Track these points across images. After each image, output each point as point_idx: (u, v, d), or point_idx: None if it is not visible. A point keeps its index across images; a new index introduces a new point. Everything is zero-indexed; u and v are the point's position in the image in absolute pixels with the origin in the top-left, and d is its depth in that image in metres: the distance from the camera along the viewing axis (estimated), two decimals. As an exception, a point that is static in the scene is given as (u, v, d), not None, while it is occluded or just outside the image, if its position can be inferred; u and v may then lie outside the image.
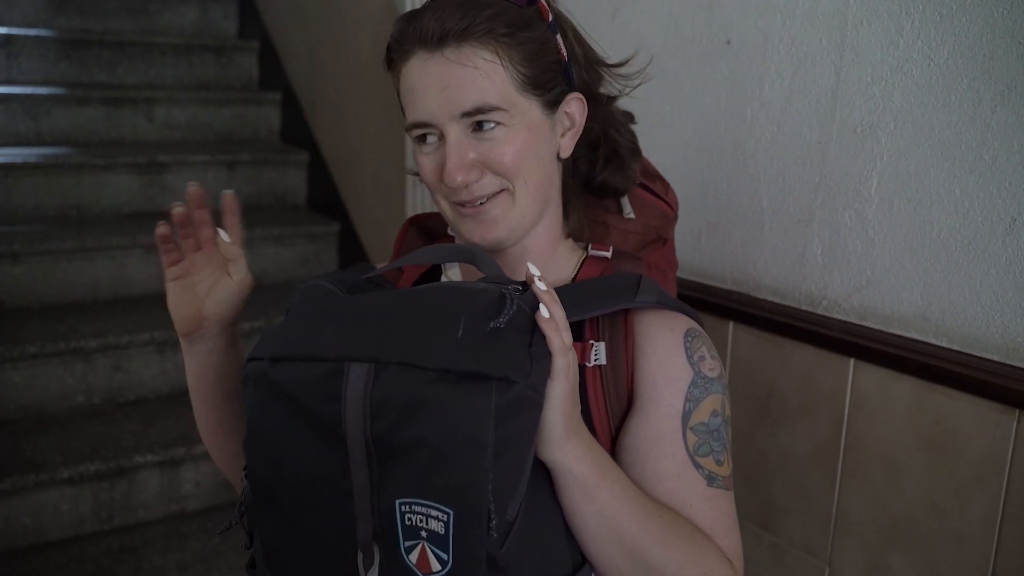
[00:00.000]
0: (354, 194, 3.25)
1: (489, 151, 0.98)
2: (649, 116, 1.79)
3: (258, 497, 0.86)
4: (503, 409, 0.77)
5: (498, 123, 0.97)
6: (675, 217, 1.25)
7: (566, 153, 1.06)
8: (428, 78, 0.97)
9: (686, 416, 0.98)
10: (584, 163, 1.11)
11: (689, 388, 0.99)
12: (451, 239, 1.16)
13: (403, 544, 0.80)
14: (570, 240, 1.12)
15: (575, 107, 1.05)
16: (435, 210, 1.14)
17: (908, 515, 1.37)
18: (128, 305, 2.91)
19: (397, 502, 0.79)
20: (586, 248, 1.12)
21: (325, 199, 3.46)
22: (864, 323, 1.44)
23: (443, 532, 0.78)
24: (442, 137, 0.99)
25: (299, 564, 0.86)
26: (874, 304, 1.42)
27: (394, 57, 1.02)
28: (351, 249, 3.28)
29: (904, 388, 1.35)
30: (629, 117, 1.16)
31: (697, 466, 0.97)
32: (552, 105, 1.03)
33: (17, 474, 2.23)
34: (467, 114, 0.96)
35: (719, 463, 0.99)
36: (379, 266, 1.07)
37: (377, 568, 0.81)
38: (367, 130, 3.07)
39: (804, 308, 1.53)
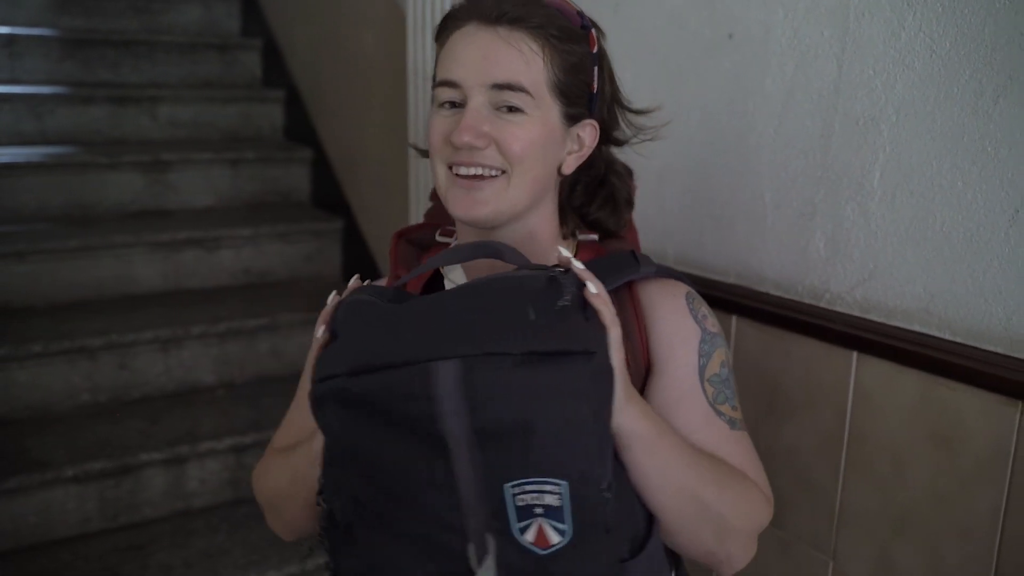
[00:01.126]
0: (358, 191, 3.26)
1: (503, 130, 1.03)
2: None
3: (353, 515, 0.87)
4: (591, 378, 0.83)
5: (520, 110, 1.03)
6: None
7: (568, 170, 1.12)
8: (473, 45, 1.03)
9: (701, 370, 1.07)
10: (581, 196, 1.17)
11: (700, 345, 1.08)
12: (441, 246, 1.21)
13: (515, 526, 0.83)
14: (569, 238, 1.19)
15: (588, 133, 1.11)
16: (424, 217, 1.22)
17: (913, 508, 1.37)
18: (133, 303, 2.91)
19: (506, 486, 0.82)
20: (574, 236, 1.19)
21: (329, 196, 3.46)
22: (867, 316, 1.43)
23: (559, 504, 0.82)
24: (462, 105, 1.04)
25: (407, 572, 0.87)
26: (877, 297, 1.42)
27: (447, 26, 1.08)
28: (355, 246, 3.28)
29: (908, 381, 1.35)
30: (629, 172, 1.22)
31: (719, 414, 1.07)
32: (571, 119, 1.09)
33: (23, 473, 2.24)
34: (497, 86, 1.02)
35: (734, 408, 1.09)
36: (384, 278, 1.14)
37: (493, 556, 0.83)
38: (370, 127, 3.07)
39: (807, 302, 1.52)
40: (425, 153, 1.18)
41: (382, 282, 1.20)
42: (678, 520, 0.98)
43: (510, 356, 0.80)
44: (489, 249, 0.97)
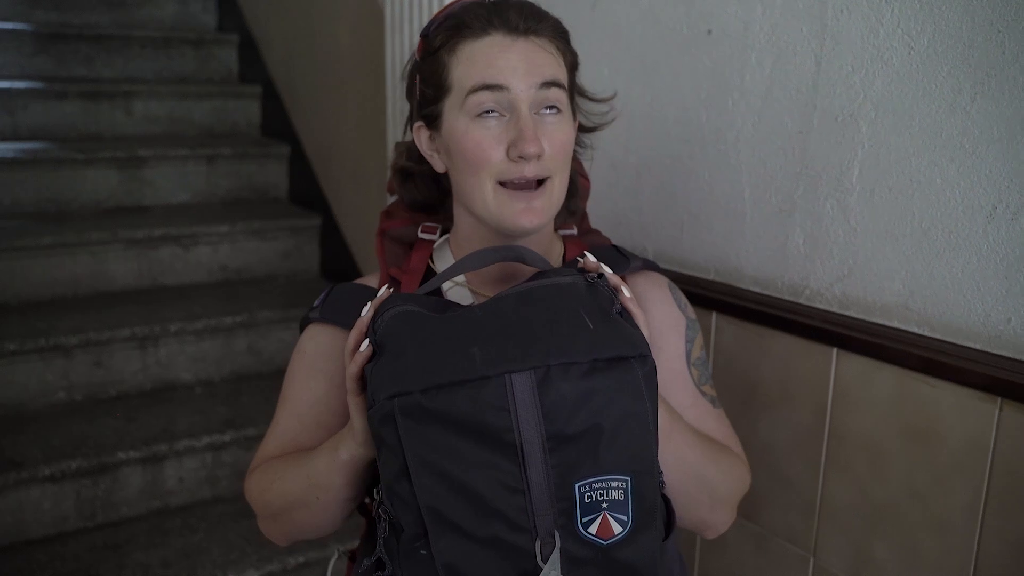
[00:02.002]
0: (335, 187, 3.24)
1: (551, 135, 1.06)
2: (630, 106, 1.79)
3: (427, 525, 0.89)
4: (646, 380, 0.89)
5: (559, 109, 1.06)
6: (589, 190, 1.34)
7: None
8: (513, 53, 1.04)
9: (688, 355, 1.17)
10: None
11: (686, 331, 1.18)
12: (426, 244, 1.22)
13: (580, 520, 0.87)
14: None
15: (576, 126, 1.16)
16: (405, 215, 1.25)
17: (891, 503, 1.37)
18: (109, 301, 2.89)
19: (576, 485, 0.86)
20: (556, 230, 1.23)
21: (306, 193, 3.44)
22: (846, 312, 1.44)
23: (623, 498, 0.87)
24: (504, 115, 1.04)
25: (479, 573, 0.90)
26: (856, 293, 1.42)
27: (457, 35, 1.07)
28: (333, 242, 3.26)
29: (886, 377, 1.36)
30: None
31: (703, 394, 1.17)
32: (573, 115, 1.14)
33: (-2, 472, 2.22)
34: (546, 83, 1.04)
35: (712, 387, 1.20)
36: (367, 276, 1.15)
37: (559, 551, 0.87)
38: (347, 123, 3.06)
39: (786, 298, 1.53)
40: (412, 166, 1.20)
41: (374, 280, 1.22)
42: (683, 495, 1.07)
43: (577, 365, 0.86)
44: (511, 253, 1.02)
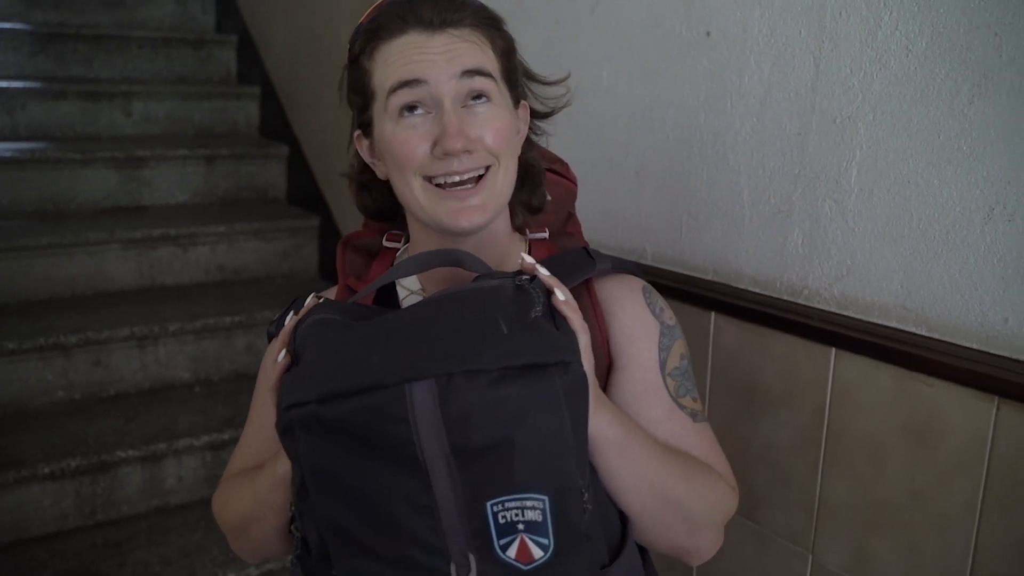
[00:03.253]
0: (334, 188, 3.24)
1: (482, 123, 1.01)
2: (629, 108, 1.80)
3: (330, 543, 0.84)
4: (568, 389, 0.82)
5: (488, 97, 1.02)
6: (576, 192, 1.29)
7: (518, 153, 1.10)
8: (429, 48, 1.00)
9: (663, 365, 1.07)
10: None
11: (660, 338, 1.08)
12: (390, 252, 1.18)
13: (498, 543, 0.81)
14: (516, 233, 1.17)
15: (523, 114, 1.11)
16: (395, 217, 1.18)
17: (890, 501, 1.38)
18: (107, 300, 2.89)
19: (487, 504, 0.80)
20: (525, 233, 1.17)
21: (305, 193, 3.45)
22: (845, 312, 1.45)
23: (541, 519, 0.81)
24: (429, 112, 1.00)
25: None
26: (855, 293, 1.43)
27: (374, 37, 1.03)
28: (331, 243, 3.27)
29: (885, 376, 1.37)
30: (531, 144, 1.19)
31: (681, 407, 1.07)
32: (516, 103, 1.09)
33: (-2, 471, 2.22)
34: (468, 72, 1.00)
35: (695, 400, 1.10)
36: (326, 290, 1.11)
37: (475, 574, 0.81)
38: (346, 124, 3.05)
39: (785, 298, 1.54)
40: (362, 178, 1.16)
41: (332, 292, 1.18)
42: (650, 518, 0.99)
43: (485, 373, 0.79)
44: (449, 257, 0.96)
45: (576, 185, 1.28)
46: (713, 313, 1.63)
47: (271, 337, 1.11)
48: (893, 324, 1.38)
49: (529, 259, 0.92)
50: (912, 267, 1.35)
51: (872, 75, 1.37)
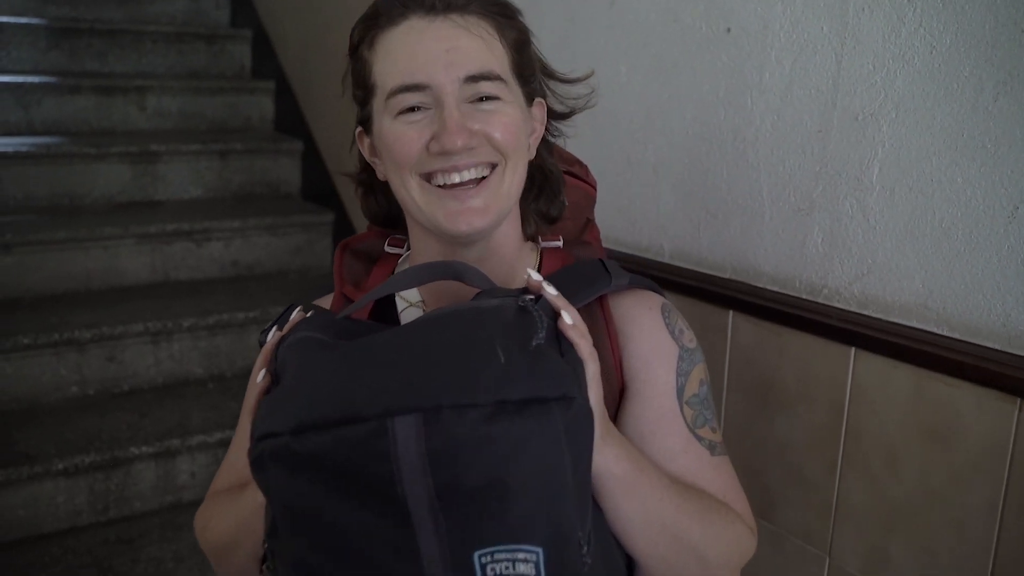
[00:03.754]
0: (348, 184, 3.22)
1: (488, 120, 0.94)
2: (647, 103, 1.78)
3: None
4: (569, 427, 0.73)
5: (497, 97, 0.95)
6: (595, 197, 1.22)
7: (532, 155, 1.04)
8: (431, 39, 0.93)
9: (680, 391, 0.99)
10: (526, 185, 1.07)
11: (678, 363, 1.00)
12: (392, 257, 1.11)
13: None
14: (528, 242, 1.09)
15: (539, 112, 1.04)
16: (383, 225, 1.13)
17: (908, 503, 1.37)
18: (121, 295, 2.89)
19: (476, 555, 0.72)
20: (537, 242, 1.09)
21: (319, 189, 3.44)
22: (865, 312, 1.43)
23: (533, 573, 0.72)
24: (431, 108, 0.94)
25: None
26: (875, 292, 1.42)
27: (374, 25, 0.97)
28: (345, 239, 3.26)
29: (905, 376, 1.35)
30: (550, 149, 1.12)
31: (699, 438, 0.99)
32: (529, 100, 1.02)
33: (11, 466, 2.22)
34: (472, 78, 0.93)
35: (714, 430, 1.01)
36: (322, 298, 1.05)
37: None
38: (361, 119, 3.05)
39: (805, 297, 1.52)
40: (364, 177, 1.10)
41: (328, 300, 1.11)
42: (660, 561, 0.92)
43: (478, 407, 0.70)
44: (449, 270, 0.88)
45: (595, 189, 1.21)
46: (731, 312, 1.62)
47: (262, 345, 1.04)
48: (914, 324, 1.37)
49: (536, 276, 0.85)
50: (934, 266, 1.33)
51: (895, 72, 1.36)
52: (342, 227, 3.27)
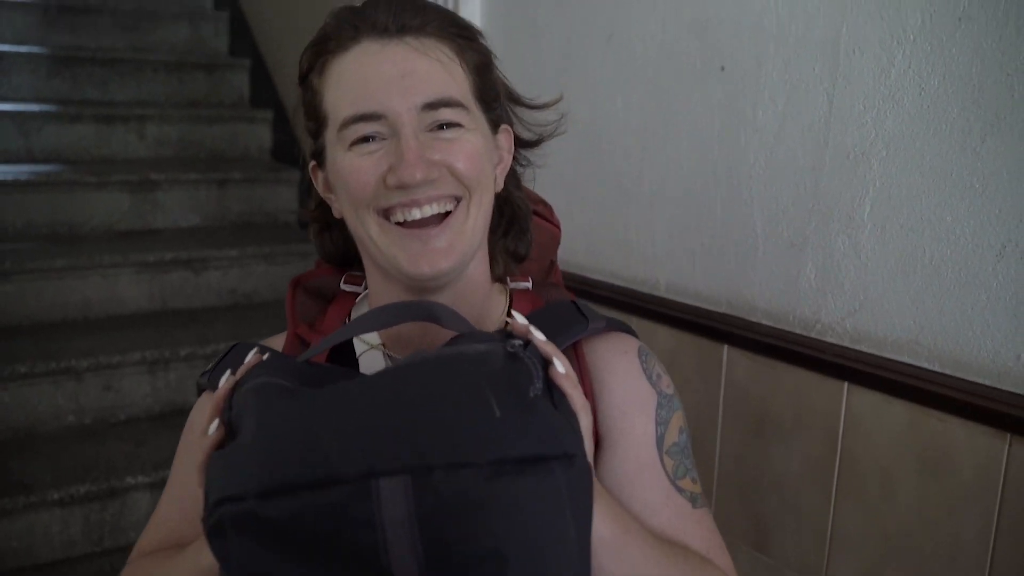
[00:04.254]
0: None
1: (450, 149, 0.87)
2: (643, 136, 1.81)
3: None
4: (571, 488, 0.68)
5: (458, 124, 0.88)
6: (559, 238, 1.14)
7: (499, 187, 0.97)
8: (385, 63, 0.86)
9: (660, 440, 0.93)
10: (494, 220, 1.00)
11: (657, 411, 0.94)
12: (348, 296, 1.03)
13: None
14: (496, 283, 1.02)
15: (504, 141, 0.97)
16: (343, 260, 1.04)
17: (903, 533, 1.38)
18: (119, 324, 2.90)
19: None
20: (505, 283, 1.02)
21: (316, 217, 3.45)
22: (857, 347, 1.45)
23: None
24: (387, 138, 0.87)
25: None
26: (867, 328, 1.44)
27: (324, 50, 0.90)
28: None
29: (898, 411, 1.37)
30: (517, 182, 1.05)
31: (679, 490, 0.92)
32: (493, 126, 0.95)
33: (6, 496, 2.21)
34: (430, 106, 0.86)
35: (694, 481, 0.95)
36: (272, 337, 0.98)
37: None
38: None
39: (798, 332, 1.54)
40: (319, 214, 1.02)
41: (279, 341, 1.01)
42: None
43: (473, 466, 0.64)
44: (422, 311, 0.81)
45: (560, 230, 1.13)
46: (726, 346, 1.64)
47: (201, 390, 0.98)
48: (906, 359, 1.38)
49: (521, 319, 0.79)
50: (924, 303, 1.35)
51: (885, 112, 1.38)
52: (339, 256, 3.28)
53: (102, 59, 3.65)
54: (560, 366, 0.75)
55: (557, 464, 0.67)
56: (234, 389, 0.76)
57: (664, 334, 1.74)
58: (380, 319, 0.81)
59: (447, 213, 0.88)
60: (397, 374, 0.71)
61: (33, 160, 3.29)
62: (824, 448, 1.48)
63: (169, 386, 2.74)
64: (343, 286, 1.03)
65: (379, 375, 0.72)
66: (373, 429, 0.66)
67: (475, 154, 0.89)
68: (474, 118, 0.90)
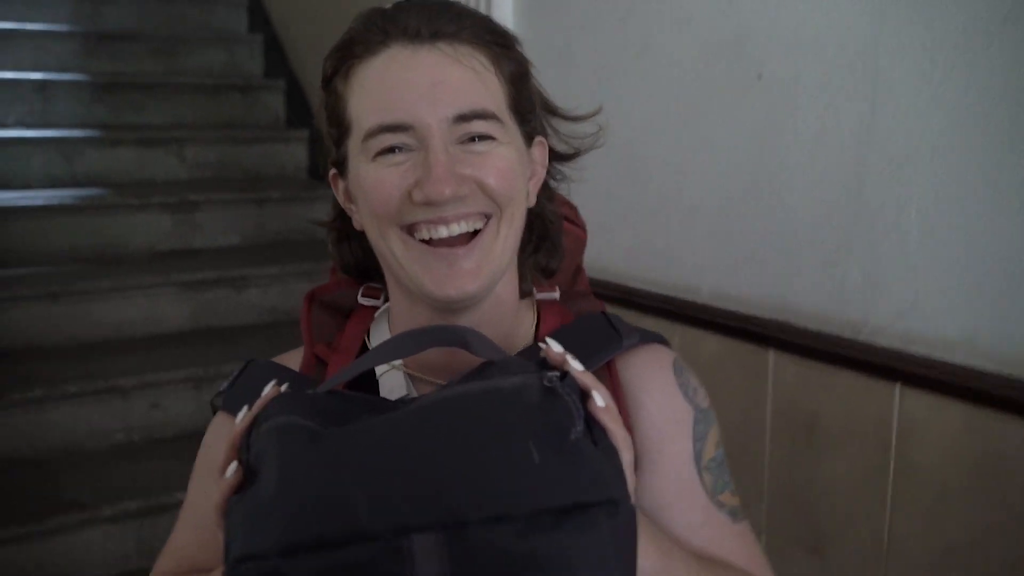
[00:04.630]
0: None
1: (481, 164, 0.82)
2: (680, 147, 1.81)
3: None
4: (616, 536, 0.63)
5: (491, 137, 0.83)
6: (585, 241, 1.07)
7: (532, 201, 0.91)
8: (415, 71, 0.81)
9: (698, 457, 0.89)
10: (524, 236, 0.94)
11: (694, 426, 0.90)
12: (367, 311, 0.97)
13: None
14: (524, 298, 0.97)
15: (539, 152, 0.92)
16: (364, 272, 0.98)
17: (963, 541, 1.37)
18: (162, 342, 2.93)
19: None
20: (531, 294, 0.97)
21: (354, 234, 3.48)
22: (910, 349, 1.44)
23: None
24: (414, 149, 0.82)
25: None
26: (919, 329, 1.43)
27: (349, 55, 0.84)
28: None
29: (953, 413, 1.36)
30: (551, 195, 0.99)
31: (719, 506, 0.89)
32: (528, 139, 0.90)
33: (60, 514, 2.25)
34: (462, 118, 0.81)
35: (732, 493, 0.92)
36: (289, 353, 0.93)
37: None
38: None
39: (846, 336, 1.54)
40: (338, 224, 0.96)
41: (295, 357, 0.96)
42: None
43: (510, 520, 0.61)
44: (451, 337, 0.76)
45: (586, 232, 1.07)
46: (771, 351, 1.64)
47: (215, 410, 0.94)
48: (961, 360, 1.37)
49: (556, 347, 0.73)
50: (979, 303, 1.35)
51: (929, 115, 1.38)
52: (378, 272, 3.31)
53: (141, 84, 3.72)
54: (600, 399, 0.70)
55: (600, 511, 0.63)
56: (251, 426, 0.71)
57: (709, 341, 1.74)
58: (405, 346, 0.77)
59: (475, 231, 0.84)
60: (424, 413, 0.67)
61: (77, 184, 3.34)
62: (877, 453, 1.47)
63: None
64: (361, 299, 0.98)
65: (407, 415, 0.68)
66: (403, 480, 0.62)
67: (508, 169, 0.84)
68: (508, 131, 0.85)
